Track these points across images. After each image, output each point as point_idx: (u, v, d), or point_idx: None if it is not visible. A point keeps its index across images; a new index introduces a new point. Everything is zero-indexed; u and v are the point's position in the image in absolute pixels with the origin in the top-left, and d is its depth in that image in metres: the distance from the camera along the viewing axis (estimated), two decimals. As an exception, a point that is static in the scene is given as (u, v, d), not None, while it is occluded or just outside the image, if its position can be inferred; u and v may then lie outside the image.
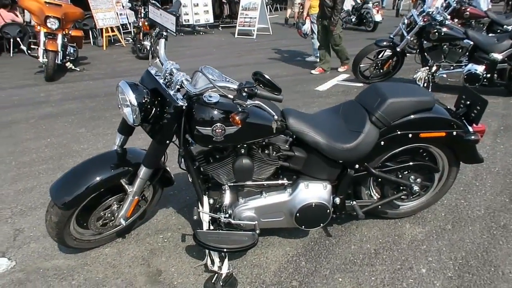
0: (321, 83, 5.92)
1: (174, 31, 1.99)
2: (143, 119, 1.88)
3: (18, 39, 8.91)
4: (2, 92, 6.03)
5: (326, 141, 2.04)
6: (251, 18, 10.87)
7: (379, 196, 2.40)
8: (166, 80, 1.93)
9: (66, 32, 7.01)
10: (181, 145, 1.93)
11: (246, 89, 1.76)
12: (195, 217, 2.02)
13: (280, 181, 2.20)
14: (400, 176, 2.28)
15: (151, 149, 2.00)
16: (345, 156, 2.06)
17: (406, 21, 5.29)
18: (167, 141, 1.95)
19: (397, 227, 2.47)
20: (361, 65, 5.63)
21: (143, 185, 2.11)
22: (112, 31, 10.05)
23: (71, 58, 7.19)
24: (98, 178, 2.00)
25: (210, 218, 2.13)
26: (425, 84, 5.02)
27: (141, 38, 8.35)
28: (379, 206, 2.34)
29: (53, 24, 6.54)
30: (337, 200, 2.22)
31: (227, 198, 2.14)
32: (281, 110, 2.13)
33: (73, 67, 7.22)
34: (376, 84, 2.23)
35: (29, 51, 6.96)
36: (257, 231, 2.07)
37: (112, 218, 2.21)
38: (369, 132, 2.04)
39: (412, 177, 2.28)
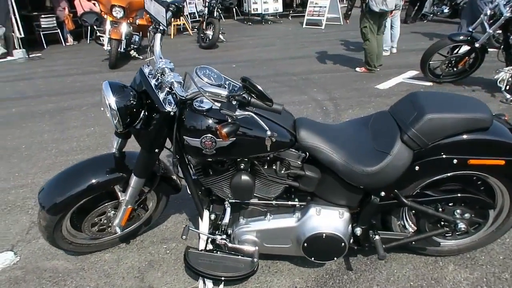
0: (384, 80, 5.35)
1: (165, 24, 1.74)
2: (129, 123, 1.68)
3: (94, 26, 9.40)
4: (68, 78, 6.34)
5: (343, 161, 1.67)
6: (320, 7, 10.33)
7: (415, 229, 1.96)
8: (159, 81, 1.70)
9: (131, 20, 7.18)
10: (175, 153, 1.70)
11: (236, 97, 1.47)
12: (183, 237, 1.78)
13: (290, 202, 1.88)
14: (441, 208, 1.82)
15: (140, 157, 1.80)
16: (366, 182, 1.68)
17: (488, 11, 4.49)
18: (156, 150, 1.73)
19: (436, 268, 2.01)
20: (431, 62, 4.95)
21: (136, 194, 1.93)
22: (181, 20, 10.18)
23: (134, 46, 7.36)
24: (89, 184, 1.85)
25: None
26: (508, 87, 4.25)
27: (204, 27, 8.31)
28: (413, 242, 1.91)
29: (118, 13, 6.72)
30: (358, 230, 1.84)
31: (227, 216, 1.88)
32: (294, 120, 1.80)
33: (136, 55, 7.39)
34: (416, 93, 1.79)
35: (97, 40, 7.24)
36: (255, 259, 1.79)
37: (109, 224, 2.07)
38: (399, 154, 1.63)
39: (459, 211, 1.81)
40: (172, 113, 1.60)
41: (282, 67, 6.31)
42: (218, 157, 1.66)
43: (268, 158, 1.78)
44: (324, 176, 1.79)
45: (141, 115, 1.70)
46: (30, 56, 8.28)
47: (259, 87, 1.40)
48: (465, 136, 1.61)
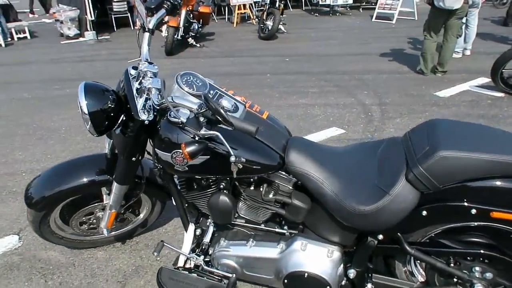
0: (447, 86, 4.78)
1: (150, 24, 1.59)
2: (105, 129, 1.58)
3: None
4: (126, 62, 6.52)
5: (334, 194, 1.42)
6: (393, 0, 9.60)
7: (424, 279, 1.65)
8: (141, 85, 1.56)
9: (191, 8, 7.21)
10: (155, 162, 1.58)
11: (204, 113, 1.29)
12: (155, 254, 1.66)
13: (278, 229, 1.68)
14: (456, 262, 1.50)
15: (119, 164, 1.69)
16: (358, 222, 1.42)
17: None
18: (133, 158, 1.61)
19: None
20: (505, 70, 4.32)
21: (119, 200, 1.84)
22: (245, 8, 10.07)
23: (192, 34, 7.41)
24: (74, 184, 1.80)
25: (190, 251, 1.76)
26: None
27: (264, 17, 8.12)
28: (418, 294, 1.60)
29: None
30: (352, 273, 1.58)
31: (209, 235, 1.73)
32: (288, 139, 1.58)
33: (194, 43, 7.43)
34: (436, 121, 1.46)
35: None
36: (232, 286, 1.62)
37: (98, 224, 2.02)
38: (401, 195, 1.34)
39: (478, 269, 1.47)
40: (146, 121, 1.46)
41: (337, 64, 5.95)
42: (191, 174, 1.50)
43: (253, 179, 1.59)
44: (315, 207, 1.55)
45: (120, 120, 1.58)
46: (99, 38, 8.71)
47: (218, 107, 1.21)
48: (489, 183, 1.28)
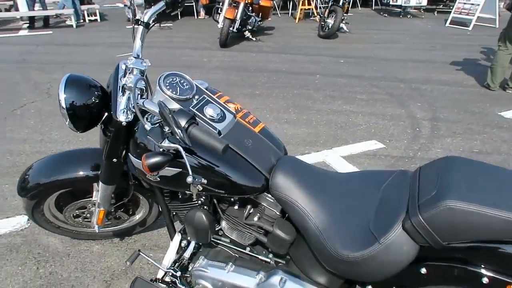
0: (517, 106, 4.22)
1: (132, 19, 1.46)
2: (86, 126, 1.49)
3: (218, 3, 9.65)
4: (179, 51, 6.60)
5: (319, 231, 1.21)
6: (472, 4, 8.75)
7: None
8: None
9: (250, 1, 7.10)
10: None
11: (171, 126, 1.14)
12: (127, 263, 1.56)
13: (262, 257, 1.50)
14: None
15: (102, 164, 1.60)
16: (341, 268, 1.20)
17: None
18: (114, 159, 1.51)
19: None
20: None
21: (107, 200, 1.75)
22: (309, 4, 9.77)
23: (249, 27, 7.30)
24: (66, 176, 1.75)
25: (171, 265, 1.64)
26: None
27: (326, 14, 7.79)
28: None
29: (235, -8, 6.70)
30: (338, 320, 1.36)
31: (189, 250, 1.60)
32: (279, 158, 1.38)
33: (250, 37, 7.33)
34: (452, 159, 1.19)
35: (214, 17, 7.38)
36: None
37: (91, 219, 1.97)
38: (394, 245, 1.09)
39: None
40: (124, 123, 1.35)
41: (395, 70, 5.51)
42: (164, 186, 1.36)
43: (234, 199, 1.42)
44: (300, 241, 1.35)
45: (103, 118, 1.49)
46: (162, 25, 8.91)
47: (169, 119, 1.05)
48: (506, 248, 1.00)
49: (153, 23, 1.54)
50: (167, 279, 1.60)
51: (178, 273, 1.57)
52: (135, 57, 1.45)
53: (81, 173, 1.75)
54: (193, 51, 6.58)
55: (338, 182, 1.37)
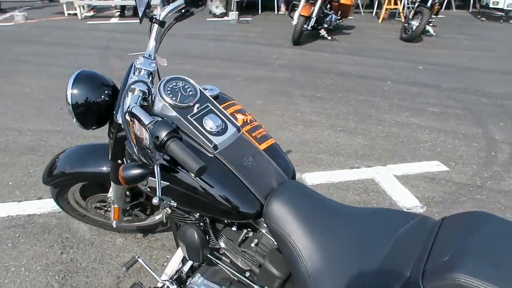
0: None
1: (139, 17, 1.38)
2: (95, 123, 1.46)
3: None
4: (250, 46, 6.57)
5: (308, 275, 1.05)
6: None
7: None
8: None
9: (329, -1, 6.83)
10: None
11: (150, 136, 1.04)
12: (124, 268, 1.51)
13: (255, 286, 1.36)
14: None
15: (110, 164, 1.57)
16: None
17: None
18: (118, 161, 1.47)
19: None
20: None
21: (120, 198, 1.74)
22: (396, 3, 9.14)
23: (326, 26, 7.03)
24: (89, 169, 1.77)
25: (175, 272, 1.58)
26: None
27: (411, 16, 7.21)
28: None
29: (313, -11, 6.47)
30: None
31: (188, 263, 1.51)
32: (281, 183, 1.23)
33: (325, 35, 7.07)
34: (481, 218, 0.93)
35: (290, 13, 7.22)
36: None
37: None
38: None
39: None
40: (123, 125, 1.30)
41: (480, 82, 4.90)
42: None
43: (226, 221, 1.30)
44: (294, 280, 1.19)
45: (110, 117, 1.45)
46: (240, 19, 8.98)
47: (129, 135, 0.95)
48: None
49: (172, 22, 1.46)
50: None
51: (173, 287, 1.49)
52: (145, 57, 1.38)
53: (102, 168, 1.75)
54: (264, 47, 6.51)
55: (345, 218, 1.17)
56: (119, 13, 9.38)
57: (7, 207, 2.41)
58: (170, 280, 1.51)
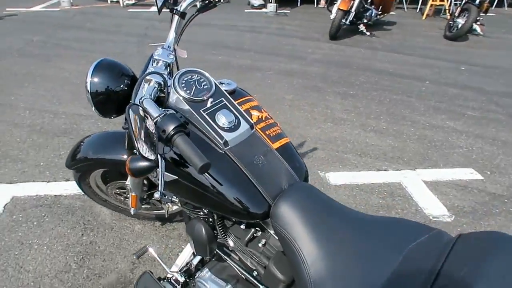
0: None
1: (158, 7, 1.36)
2: (115, 112, 1.47)
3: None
4: (286, 39, 6.48)
5: (310, 283, 1.01)
6: None
7: None
8: None
9: (372, -7, 6.62)
10: None
11: (157, 129, 1.03)
12: (134, 256, 1.53)
13: (261, 286, 1.33)
14: None
15: (126, 153, 1.58)
16: None
17: None
18: (134, 150, 1.47)
19: None
20: None
21: (137, 186, 1.74)
22: (441, 0, 8.73)
23: (365, 20, 6.82)
24: (109, 156, 1.79)
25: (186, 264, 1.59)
26: None
27: (456, 13, 6.86)
28: None
29: (354, -18, 6.28)
30: None
31: (198, 258, 1.51)
32: (292, 184, 1.19)
33: (364, 31, 6.87)
34: (498, 239, 0.85)
35: (329, 6, 7.05)
36: None
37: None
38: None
39: None
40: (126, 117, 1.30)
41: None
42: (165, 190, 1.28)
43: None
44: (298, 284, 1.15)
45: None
46: (278, 11, 8.88)
47: (131, 128, 0.93)
48: None
49: (195, 14, 1.45)
50: (172, 281, 1.54)
51: (182, 279, 1.50)
52: (164, 48, 1.37)
53: (123, 156, 1.76)
54: (299, 41, 6.41)
55: (355, 226, 1.12)
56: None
57: (37, 186, 2.51)
58: (179, 272, 1.52)
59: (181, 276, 1.50)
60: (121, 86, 1.42)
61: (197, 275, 1.48)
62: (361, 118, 3.67)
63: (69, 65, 4.80)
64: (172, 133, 0.99)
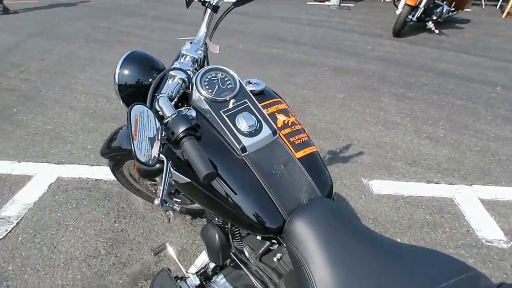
0: None
1: (186, 1, 1.28)
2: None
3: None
4: (344, 34, 6.22)
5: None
6: None
7: None
8: None
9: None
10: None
11: (167, 130, 0.98)
12: (152, 253, 1.50)
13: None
14: None
15: None
16: None
17: None
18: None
19: None
20: None
21: (165, 179, 1.72)
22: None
23: (434, 17, 6.35)
24: None
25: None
26: None
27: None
28: None
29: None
30: None
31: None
32: (313, 199, 1.08)
33: (433, 28, 6.40)
34: None
35: (396, 1, 6.64)
36: None
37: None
38: None
39: None
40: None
41: None
42: (181, 190, 1.23)
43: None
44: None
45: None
46: (342, 5, 8.57)
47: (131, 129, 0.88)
48: None
49: (231, 7, 1.37)
50: (188, 282, 1.50)
51: (197, 282, 1.45)
52: (192, 43, 1.31)
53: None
54: (360, 36, 6.12)
55: (379, 254, 0.99)
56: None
57: (81, 169, 2.60)
58: (196, 274, 1.47)
59: (197, 278, 1.46)
60: (150, 79, 1.38)
61: (212, 279, 1.43)
62: (416, 123, 3.40)
63: (127, 51, 4.95)
64: (181, 136, 0.93)
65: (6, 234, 2.05)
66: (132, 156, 0.91)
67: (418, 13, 6.03)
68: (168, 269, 1.49)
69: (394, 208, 2.35)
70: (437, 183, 2.60)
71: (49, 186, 2.41)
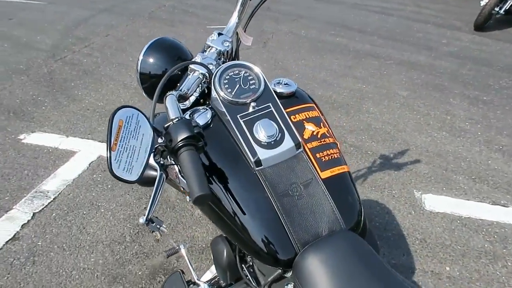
0: None
1: None
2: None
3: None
4: (417, 25, 5.71)
5: None
6: None
7: None
8: None
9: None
10: None
11: (166, 136, 0.85)
12: (165, 254, 1.41)
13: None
14: None
15: None
16: None
17: None
18: None
19: None
20: None
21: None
22: None
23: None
24: None
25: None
26: None
27: None
28: None
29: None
30: None
31: (228, 273, 1.34)
32: (337, 231, 0.91)
33: (524, 22, 5.67)
34: None
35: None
36: None
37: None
38: None
39: None
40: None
41: None
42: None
43: None
44: None
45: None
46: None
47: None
48: None
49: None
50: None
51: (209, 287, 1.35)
52: (220, 34, 1.16)
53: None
54: (435, 28, 5.59)
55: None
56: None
57: (122, 150, 2.60)
58: (208, 282, 1.37)
59: (207, 286, 1.35)
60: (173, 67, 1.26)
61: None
62: (489, 132, 3.00)
63: (187, 32, 4.94)
64: (180, 145, 0.80)
65: (42, 209, 2.09)
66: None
67: (507, 5, 5.34)
68: (182, 271, 1.40)
69: (448, 230, 2.07)
70: (504, 206, 2.25)
71: (89, 164, 2.44)
